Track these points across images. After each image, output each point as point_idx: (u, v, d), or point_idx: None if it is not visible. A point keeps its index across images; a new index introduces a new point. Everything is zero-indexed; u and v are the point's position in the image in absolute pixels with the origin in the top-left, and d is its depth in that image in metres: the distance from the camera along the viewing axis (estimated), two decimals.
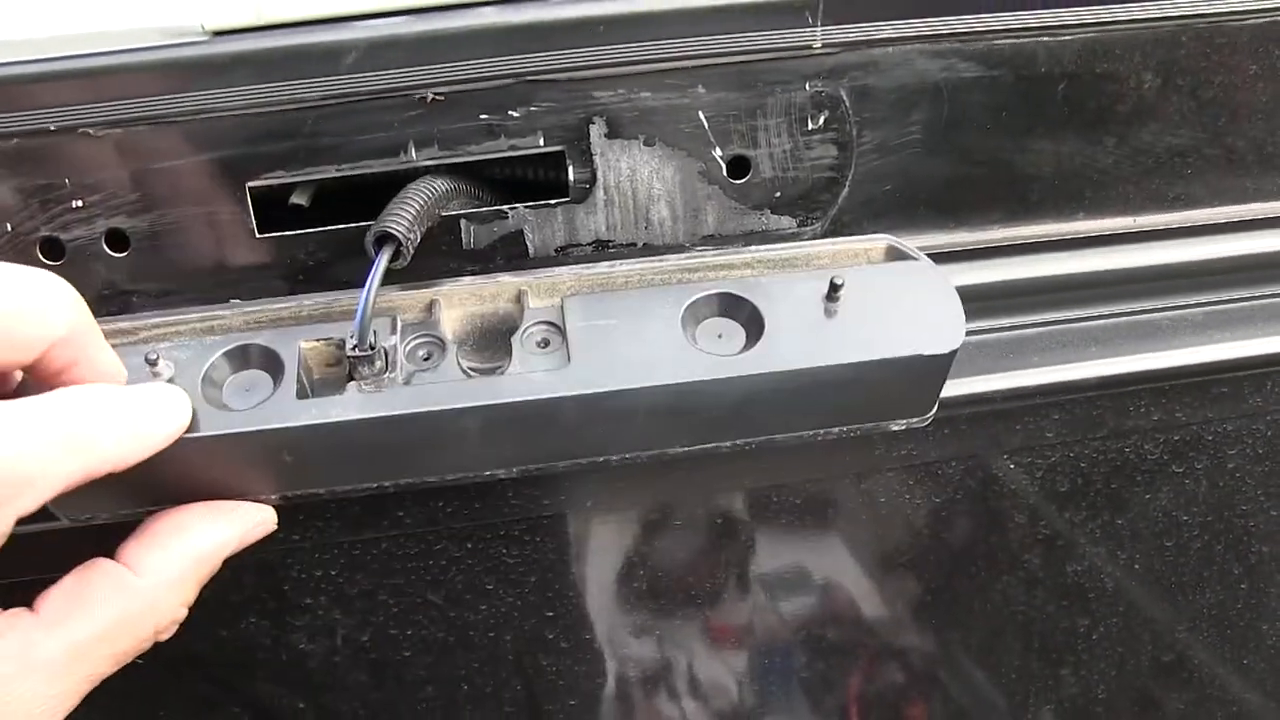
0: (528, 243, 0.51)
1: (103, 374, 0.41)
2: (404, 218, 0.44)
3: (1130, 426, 0.58)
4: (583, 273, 0.48)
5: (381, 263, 0.43)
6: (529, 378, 0.43)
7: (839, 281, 0.45)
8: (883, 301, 0.46)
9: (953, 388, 0.54)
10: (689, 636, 0.61)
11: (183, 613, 0.42)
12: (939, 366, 0.46)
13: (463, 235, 0.51)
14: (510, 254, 0.51)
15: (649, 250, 0.51)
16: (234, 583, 0.56)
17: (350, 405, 0.43)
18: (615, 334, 0.45)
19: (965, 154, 0.52)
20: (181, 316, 0.48)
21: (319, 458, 0.44)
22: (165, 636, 0.42)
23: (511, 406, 0.43)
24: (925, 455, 0.56)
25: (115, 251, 0.49)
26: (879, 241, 0.49)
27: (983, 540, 0.60)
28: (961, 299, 0.51)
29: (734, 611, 0.61)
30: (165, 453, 0.41)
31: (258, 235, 0.48)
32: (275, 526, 0.46)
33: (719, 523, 0.58)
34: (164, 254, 0.50)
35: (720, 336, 0.46)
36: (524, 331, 0.46)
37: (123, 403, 0.39)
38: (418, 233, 0.45)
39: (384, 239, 0.44)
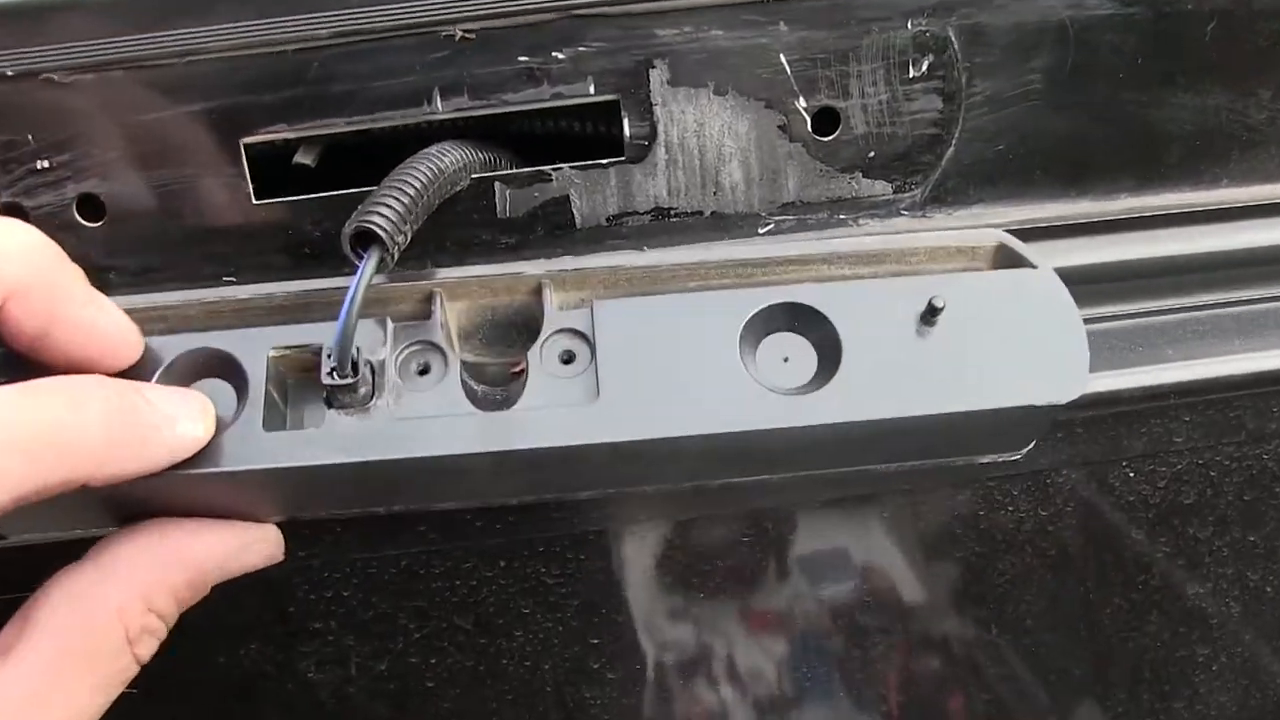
0: (574, 211, 0.43)
1: (98, 338, 0.35)
2: (390, 209, 0.36)
3: (1273, 430, 0.50)
4: (619, 264, 0.40)
5: (367, 270, 0.35)
6: (546, 418, 0.36)
7: (939, 305, 0.37)
8: (989, 328, 0.38)
9: None
10: (751, 669, 0.53)
11: (158, 625, 0.36)
12: (1049, 414, 0.38)
13: (496, 201, 0.43)
14: (553, 224, 0.43)
15: (718, 220, 0.44)
16: (232, 604, 0.48)
17: (328, 444, 0.36)
18: (656, 355, 0.37)
19: (1092, 108, 0.44)
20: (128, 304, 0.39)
21: (299, 492, 0.38)
22: (144, 655, 0.35)
23: (524, 454, 0.36)
24: (1033, 463, 0.48)
25: (88, 220, 0.43)
26: (988, 239, 0.41)
27: (1094, 559, 0.52)
28: (1084, 278, 0.44)
29: (807, 642, 0.53)
30: None
31: (255, 201, 0.42)
32: (281, 550, 0.40)
33: (788, 540, 0.50)
34: (145, 223, 0.43)
35: (786, 360, 0.38)
36: (544, 343, 0.38)
37: (115, 401, 0.32)
38: (409, 228, 0.37)
39: (364, 238, 0.36)
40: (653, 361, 0.37)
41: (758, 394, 0.37)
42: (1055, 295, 0.40)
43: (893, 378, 0.37)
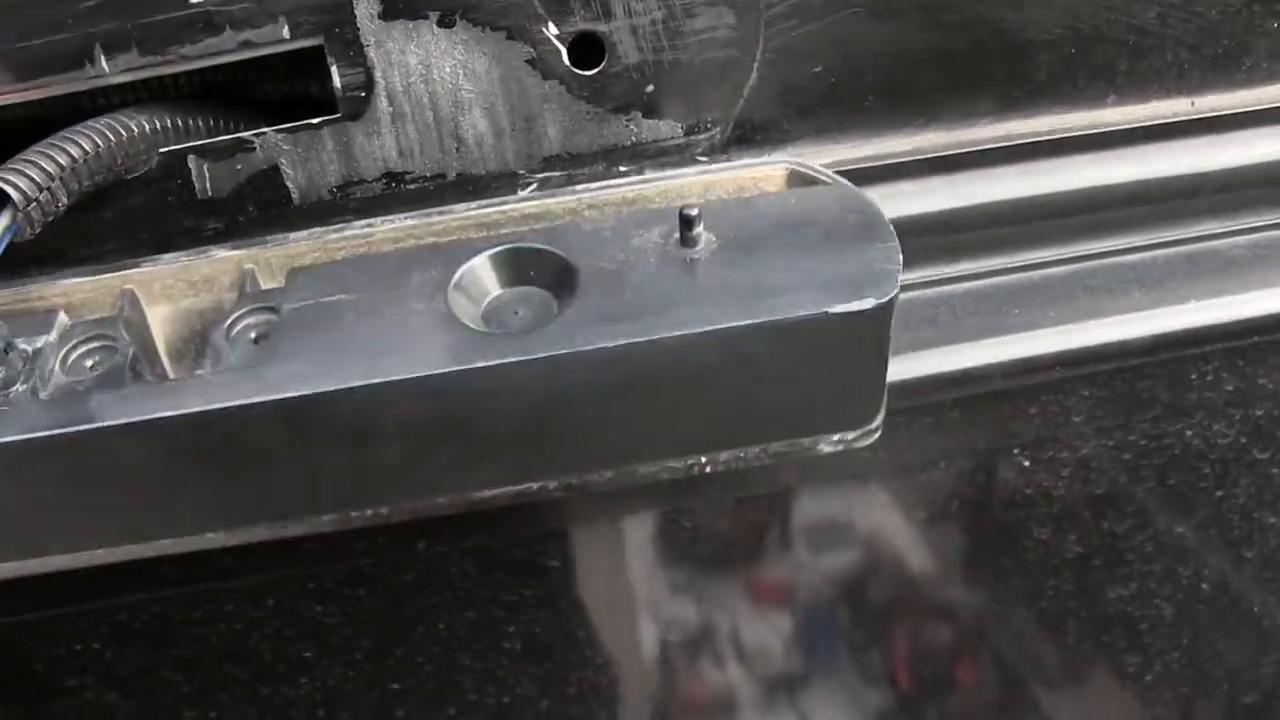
0: (288, 184, 0.35)
1: None
2: (31, 169, 0.30)
3: (1194, 401, 0.41)
4: (331, 238, 0.34)
5: None
6: (205, 383, 0.30)
7: (691, 213, 0.29)
8: (770, 242, 0.31)
9: (934, 361, 0.38)
10: (571, 702, 0.46)
11: None
12: (868, 339, 0.30)
13: (194, 179, 0.35)
14: (266, 202, 0.36)
15: (466, 182, 0.36)
16: None
17: None
18: (349, 315, 0.31)
19: (934, 12, 0.36)
20: None
21: None
22: None
23: (172, 422, 0.29)
24: (899, 458, 0.40)
25: None
26: (773, 166, 0.33)
27: (987, 569, 0.44)
28: (939, 226, 0.36)
29: (628, 678, 0.46)
30: None
31: None
32: None
33: (612, 560, 0.42)
34: None
35: (518, 314, 0.31)
36: (233, 322, 0.32)
37: None
38: (60, 192, 0.31)
39: None
40: (342, 323, 0.31)
41: (460, 336, 0.30)
42: (852, 200, 0.32)
43: (639, 301, 0.30)
